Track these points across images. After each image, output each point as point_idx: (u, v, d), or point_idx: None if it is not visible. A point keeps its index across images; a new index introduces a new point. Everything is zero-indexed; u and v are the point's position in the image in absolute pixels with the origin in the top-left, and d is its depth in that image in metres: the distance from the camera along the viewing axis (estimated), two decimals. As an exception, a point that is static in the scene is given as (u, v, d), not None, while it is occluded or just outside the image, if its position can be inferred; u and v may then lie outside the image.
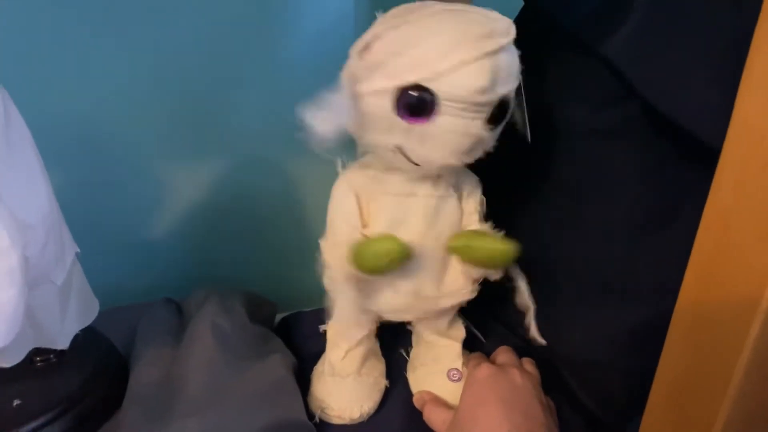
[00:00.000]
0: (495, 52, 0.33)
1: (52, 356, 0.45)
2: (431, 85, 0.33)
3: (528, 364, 0.47)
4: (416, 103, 0.34)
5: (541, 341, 0.44)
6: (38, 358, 0.45)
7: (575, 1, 0.45)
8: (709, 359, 0.32)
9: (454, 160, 0.37)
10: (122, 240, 0.66)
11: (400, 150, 0.37)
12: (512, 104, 0.37)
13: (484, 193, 0.44)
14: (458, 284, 0.44)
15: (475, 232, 0.42)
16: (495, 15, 0.35)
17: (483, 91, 0.33)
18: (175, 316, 0.56)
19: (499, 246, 0.41)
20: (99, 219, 0.63)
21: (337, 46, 0.65)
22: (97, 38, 0.56)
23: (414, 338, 0.51)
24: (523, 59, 0.37)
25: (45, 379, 0.44)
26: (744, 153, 0.30)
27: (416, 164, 0.37)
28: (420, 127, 0.35)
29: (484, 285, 0.45)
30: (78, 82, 0.57)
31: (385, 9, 0.36)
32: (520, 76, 0.37)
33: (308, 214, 0.73)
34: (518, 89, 0.38)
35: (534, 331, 0.45)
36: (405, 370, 0.51)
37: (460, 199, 0.43)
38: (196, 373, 0.45)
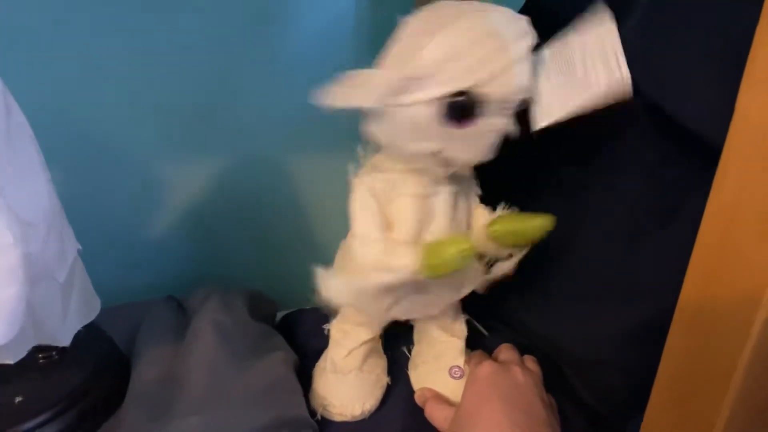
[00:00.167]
0: (530, 50, 0.34)
1: (53, 353, 0.45)
2: (483, 89, 0.33)
3: (530, 361, 0.47)
4: (465, 108, 0.34)
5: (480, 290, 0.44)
6: (40, 356, 0.45)
7: (577, 1, 0.45)
8: (711, 357, 0.32)
9: (486, 157, 0.37)
10: (124, 238, 0.66)
11: (439, 154, 0.36)
12: None
13: (486, 192, 0.44)
14: (473, 271, 0.44)
15: (508, 216, 0.41)
16: (513, 13, 0.35)
17: (526, 89, 0.34)
18: (176, 314, 0.56)
19: (544, 222, 0.40)
20: (101, 217, 0.63)
21: (337, 45, 0.65)
22: (99, 36, 0.56)
23: (416, 335, 0.51)
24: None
25: (46, 376, 0.45)
26: (746, 151, 0.30)
27: (451, 166, 0.37)
28: (464, 131, 0.35)
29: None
30: (79, 79, 0.57)
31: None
32: None
33: (309, 212, 0.73)
34: None
35: (483, 283, 0.44)
36: (407, 368, 0.51)
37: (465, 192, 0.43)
38: (197, 371, 0.45)
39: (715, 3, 0.36)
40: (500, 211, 0.42)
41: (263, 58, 0.63)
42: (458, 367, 0.47)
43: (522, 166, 0.49)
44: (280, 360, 0.47)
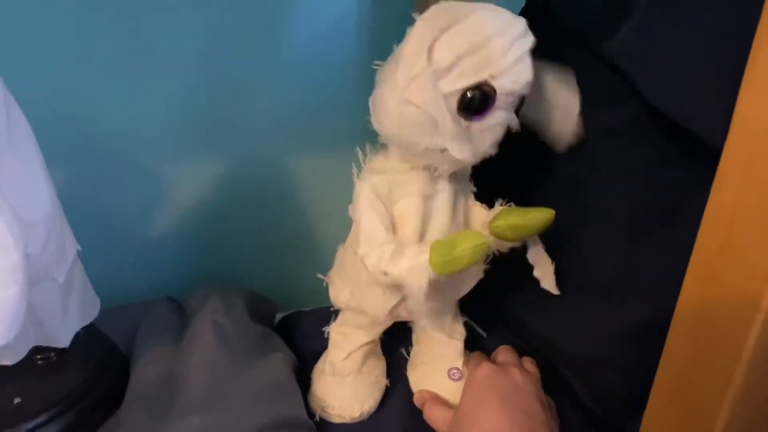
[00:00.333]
0: (532, 47, 0.35)
1: (53, 354, 0.45)
2: (495, 82, 0.34)
3: (528, 363, 0.47)
4: (482, 101, 0.35)
5: (556, 291, 0.45)
6: (39, 356, 0.45)
7: (577, 1, 0.45)
8: (711, 357, 0.32)
9: (492, 151, 0.38)
10: (123, 238, 0.66)
11: (448, 149, 0.37)
12: None
13: (486, 191, 0.44)
14: (473, 268, 0.43)
15: (509, 210, 0.42)
16: (511, 13, 0.36)
17: (530, 83, 0.36)
18: (176, 315, 0.56)
19: (546, 215, 0.40)
20: (101, 217, 0.63)
21: (338, 46, 0.66)
22: (100, 36, 0.56)
23: (414, 337, 0.51)
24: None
25: (46, 377, 0.45)
26: (746, 151, 0.30)
27: (459, 161, 0.38)
28: (476, 124, 0.36)
29: (485, 284, 0.45)
30: (79, 79, 0.57)
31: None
32: None
33: (309, 214, 0.73)
34: None
35: (551, 286, 0.45)
36: (405, 369, 0.51)
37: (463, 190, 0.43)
38: (196, 372, 0.45)
39: (715, 3, 0.36)
40: (499, 206, 0.42)
41: (263, 58, 0.63)
42: (457, 368, 0.47)
43: (521, 166, 0.49)
44: (279, 361, 0.47)
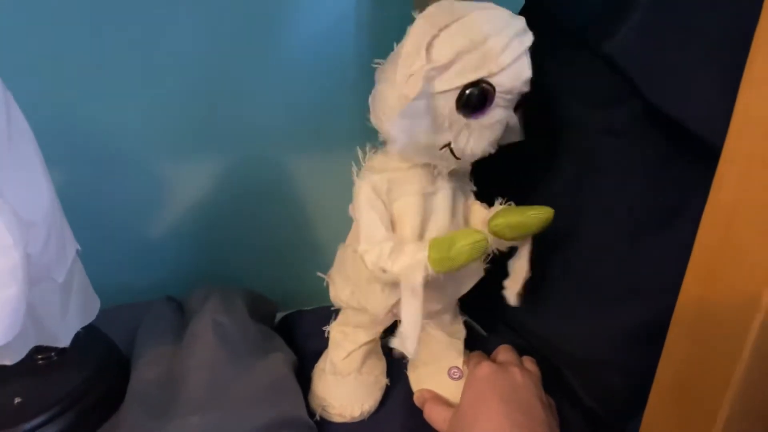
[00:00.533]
0: (531, 45, 0.36)
1: (53, 354, 0.45)
2: (494, 80, 0.35)
3: (528, 362, 0.47)
4: (480, 98, 0.35)
5: (514, 302, 0.44)
6: (39, 356, 0.45)
7: (577, 0, 0.45)
8: (711, 356, 0.32)
9: (491, 149, 0.38)
10: (123, 238, 0.66)
11: (448, 147, 0.37)
12: None
13: (486, 191, 0.44)
14: (473, 266, 0.44)
15: (508, 209, 0.42)
16: (510, 12, 0.37)
17: (529, 81, 0.36)
18: (176, 315, 0.56)
19: (545, 213, 0.41)
20: (100, 217, 0.63)
21: (339, 45, 0.65)
22: (99, 36, 0.56)
23: (414, 336, 0.51)
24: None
25: (46, 376, 0.45)
26: (746, 150, 0.30)
27: (457, 158, 0.38)
28: (476, 122, 0.36)
29: (485, 284, 0.45)
30: (79, 79, 0.57)
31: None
32: None
33: (310, 213, 0.73)
34: None
35: (513, 294, 0.44)
36: (405, 369, 0.51)
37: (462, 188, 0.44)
38: (197, 372, 0.45)
39: (715, 2, 0.36)
40: (498, 205, 0.42)
41: (263, 58, 0.63)
42: (457, 368, 0.47)
43: (521, 166, 0.49)
44: (279, 361, 0.47)
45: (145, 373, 0.47)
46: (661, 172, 0.42)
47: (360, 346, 0.46)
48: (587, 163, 0.46)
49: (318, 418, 0.46)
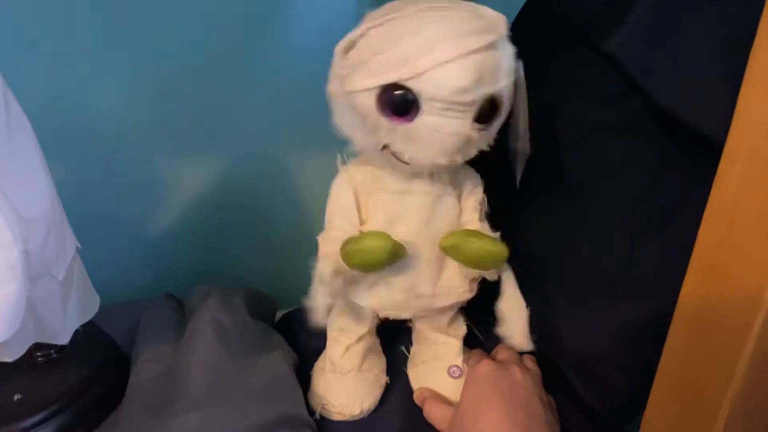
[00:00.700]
0: (478, 50, 0.32)
1: (52, 351, 0.45)
2: (412, 85, 0.33)
3: (529, 360, 0.47)
4: (399, 103, 0.34)
5: (529, 346, 0.42)
6: (39, 353, 0.45)
7: (575, 3, 0.45)
8: (712, 353, 0.32)
9: (442, 160, 0.36)
10: (123, 236, 0.66)
11: (389, 149, 0.37)
12: (506, 102, 0.37)
13: (486, 190, 0.44)
14: (454, 283, 0.43)
15: (468, 232, 0.41)
16: (485, 11, 0.35)
17: (464, 90, 0.32)
18: (176, 312, 0.56)
19: (489, 247, 0.39)
20: (101, 215, 0.63)
21: (339, 41, 0.65)
22: (100, 33, 0.56)
23: (414, 335, 0.51)
24: (525, 55, 0.37)
25: (46, 374, 0.45)
26: (747, 148, 0.30)
27: (406, 163, 0.37)
28: (404, 127, 0.35)
29: (485, 284, 0.45)
30: (79, 77, 0.57)
31: (386, 4, 0.36)
32: (515, 74, 0.36)
33: (310, 211, 0.73)
34: (516, 89, 0.37)
35: (524, 339, 0.42)
36: (405, 367, 0.51)
37: (459, 197, 0.43)
38: (196, 369, 0.45)
39: (716, 2, 0.36)
40: (478, 225, 0.42)
41: (265, 56, 0.63)
42: (457, 366, 0.47)
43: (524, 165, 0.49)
44: (279, 358, 0.47)
45: (145, 370, 0.47)
46: (662, 170, 0.42)
47: (358, 341, 0.46)
48: (587, 161, 0.46)
49: (318, 416, 0.46)
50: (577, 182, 0.47)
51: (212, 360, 0.46)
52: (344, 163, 0.43)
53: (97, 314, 0.45)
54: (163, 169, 0.64)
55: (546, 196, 0.49)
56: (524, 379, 0.43)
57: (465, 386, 0.43)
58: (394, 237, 0.38)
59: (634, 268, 0.44)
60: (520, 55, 0.37)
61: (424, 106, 0.33)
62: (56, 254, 0.38)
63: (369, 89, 0.34)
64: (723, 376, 0.31)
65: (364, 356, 0.47)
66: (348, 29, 0.36)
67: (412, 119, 0.34)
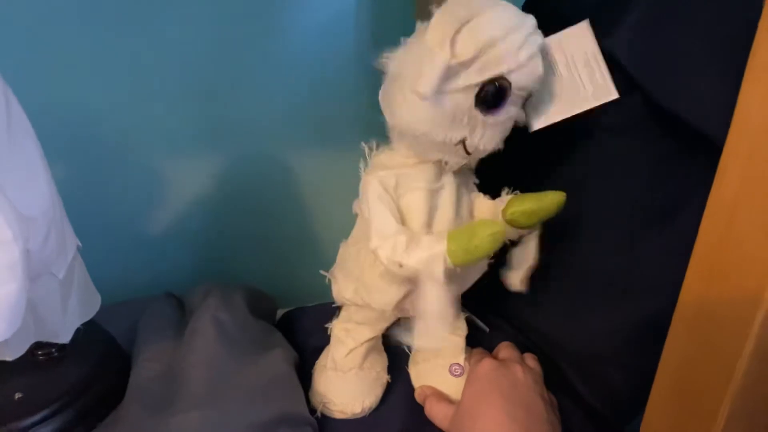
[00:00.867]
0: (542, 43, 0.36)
1: (53, 350, 0.45)
2: (511, 77, 0.35)
3: (530, 359, 0.47)
4: (499, 95, 0.35)
5: (519, 288, 0.45)
6: (40, 352, 0.45)
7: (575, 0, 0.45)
8: (712, 352, 0.32)
9: (501, 145, 0.39)
10: (124, 235, 0.66)
11: (462, 143, 0.37)
12: None
13: (487, 190, 0.44)
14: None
15: (518, 199, 0.42)
16: (519, 9, 0.36)
17: (541, 78, 0.36)
18: (176, 311, 0.56)
19: (553, 196, 0.41)
20: (101, 214, 0.63)
21: (339, 42, 0.65)
22: (101, 33, 0.56)
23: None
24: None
25: (46, 372, 0.45)
26: (747, 148, 0.30)
27: (468, 154, 0.38)
28: (492, 118, 0.36)
29: (486, 281, 0.45)
30: (80, 76, 0.57)
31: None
32: None
33: (310, 210, 0.73)
34: None
35: (518, 280, 0.44)
36: (407, 365, 0.51)
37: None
38: (197, 368, 0.45)
39: (716, 1, 0.36)
40: (506, 195, 0.42)
41: (265, 56, 0.63)
42: (458, 364, 0.47)
43: (522, 165, 0.49)
44: (280, 357, 0.47)
45: (145, 369, 0.47)
46: (662, 169, 0.42)
47: (362, 343, 0.46)
48: (588, 160, 0.46)
49: (319, 414, 0.46)
50: (577, 181, 0.47)
51: (213, 359, 0.46)
52: (366, 170, 0.41)
53: (98, 313, 0.45)
54: (163, 168, 0.64)
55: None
56: (525, 378, 0.43)
57: (466, 385, 0.43)
58: (435, 230, 0.40)
59: (634, 268, 0.44)
60: None
61: (512, 96, 0.36)
62: (57, 253, 0.38)
63: (477, 84, 0.34)
64: (723, 375, 0.31)
65: (366, 355, 0.47)
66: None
67: (501, 110, 0.36)
